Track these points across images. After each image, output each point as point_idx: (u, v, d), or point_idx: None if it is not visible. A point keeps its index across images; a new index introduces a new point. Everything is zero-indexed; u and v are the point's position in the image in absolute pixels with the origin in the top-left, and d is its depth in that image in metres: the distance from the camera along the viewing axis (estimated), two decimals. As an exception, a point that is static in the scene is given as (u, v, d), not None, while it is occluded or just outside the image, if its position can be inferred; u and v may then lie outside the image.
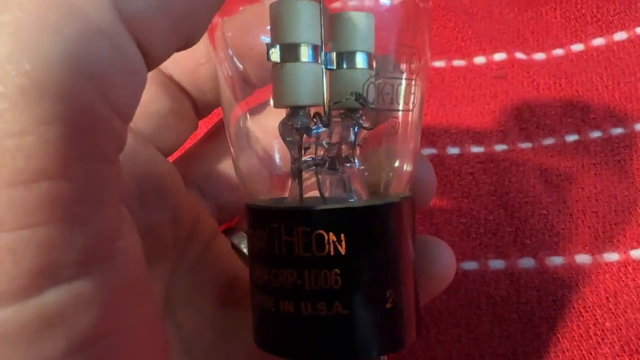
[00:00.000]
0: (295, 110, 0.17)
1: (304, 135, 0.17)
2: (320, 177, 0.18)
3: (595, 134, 0.31)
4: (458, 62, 0.35)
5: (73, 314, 0.11)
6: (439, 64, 0.35)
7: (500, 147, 0.31)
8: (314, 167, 0.18)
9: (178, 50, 0.14)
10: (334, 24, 0.17)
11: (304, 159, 0.17)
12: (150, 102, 0.19)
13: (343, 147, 0.18)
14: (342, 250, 0.16)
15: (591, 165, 0.30)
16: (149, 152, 0.18)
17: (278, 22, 0.16)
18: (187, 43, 0.14)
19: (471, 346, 0.26)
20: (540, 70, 0.34)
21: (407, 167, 0.19)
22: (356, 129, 0.18)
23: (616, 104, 0.32)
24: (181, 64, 0.19)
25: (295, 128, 0.17)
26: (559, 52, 0.35)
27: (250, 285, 0.18)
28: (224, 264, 0.20)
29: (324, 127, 0.17)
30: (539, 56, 0.35)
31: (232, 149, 0.19)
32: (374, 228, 0.16)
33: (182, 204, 0.19)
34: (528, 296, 0.26)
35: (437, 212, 0.29)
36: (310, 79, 0.16)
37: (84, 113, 0.11)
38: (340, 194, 0.18)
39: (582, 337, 0.25)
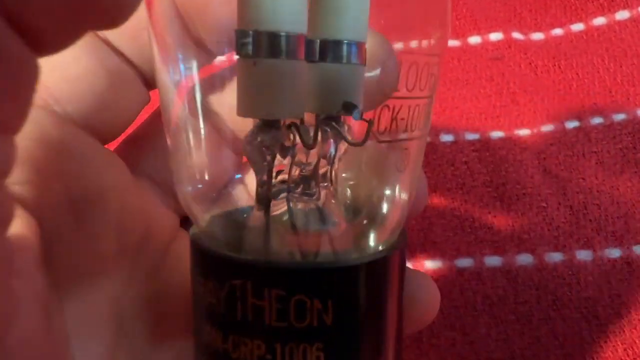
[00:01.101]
0: (267, 123, 0.13)
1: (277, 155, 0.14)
2: (292, 204, 0.14)
3: (597, 120, 0.29)
4: (452, 43, 0.33)
5: None
6: (431, 44, 0.33)
7: (496, 134, 0.29)
8: (285, 194, 0.14)
9: (95, 29, 0.10)
10: (314, 3, 0.13)
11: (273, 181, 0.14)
12: (82, 76, 0.15)
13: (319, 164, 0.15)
14: (328, 320, 0.12)
15: (592, 154, 0.28)
16: (80, 144, 0.15)
17: (254, 0, 0.12)
18: (102, 23, 0.10)
19: (466, 350, 0.24)
20: (538, 51, 0.32)
21: (404, 196, 0.15)
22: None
23: (618, 88, 0.30)
24: (120, 27, 0.15)
25: (265, 146, 0.13)
26: (558, 32, 0.33)
27: (194, 340, 0.14)
28: (188, 270, 0.18)
29: (308, 148, 0.13)
30: (537, 36, 0.33)
31: (170, 144, 0.15)
32: (369, 289, 0.13)
33: (129, 203, 0.16)
34: (526, 295, 0.25)
35: (430, 205, 0.27)
36: (293, 82, 0.12)
37: None
38: (313, 224, 0.14)
39: (584, 339, 0.24)
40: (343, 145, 0.14)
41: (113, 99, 0.15)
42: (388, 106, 0.14)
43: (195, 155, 0.15)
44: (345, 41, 0.13)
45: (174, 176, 0.15)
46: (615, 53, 0.31)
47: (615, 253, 0.25)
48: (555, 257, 0.25)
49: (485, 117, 0.30)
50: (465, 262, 0.26)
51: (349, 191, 0.16)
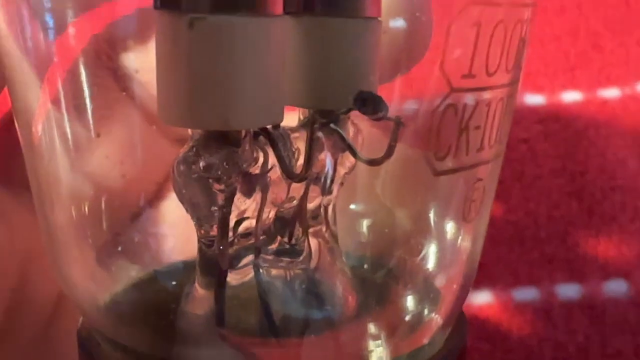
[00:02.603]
0: (216, 135, 0.09)
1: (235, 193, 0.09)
2: (262, 272, 0.10)
3: None
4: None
5: None
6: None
7: (569, 97, 0.22)
8: (252, 258, 0.10)
9: None
10: None
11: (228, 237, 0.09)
12: None
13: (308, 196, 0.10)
14: None
15: None
16: None
17: None
18: None
19: None
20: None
21: (469, 250, 0.11)
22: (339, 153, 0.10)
23: None
24: None
25: (215, 177, 0.09)
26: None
27: None
28: None
29: (292, 179, 0.09)
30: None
31: (30, 158, 0.10)
32: None
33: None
34: (619, 343, 0.20)
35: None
36: (265, 58, 0.08)
37: None
38: (301, 307, 0.10)
39: None
40: (347, 161, 0.10)
41: None
42: (454, 105, 0.09)
43: (85, 172, 0.11)
44: None
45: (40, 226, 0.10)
46: None
47: None
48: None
49: (553, 71, 0.23)
50: (527, 294, 0.20)
51: (363, 235, 0.12)
